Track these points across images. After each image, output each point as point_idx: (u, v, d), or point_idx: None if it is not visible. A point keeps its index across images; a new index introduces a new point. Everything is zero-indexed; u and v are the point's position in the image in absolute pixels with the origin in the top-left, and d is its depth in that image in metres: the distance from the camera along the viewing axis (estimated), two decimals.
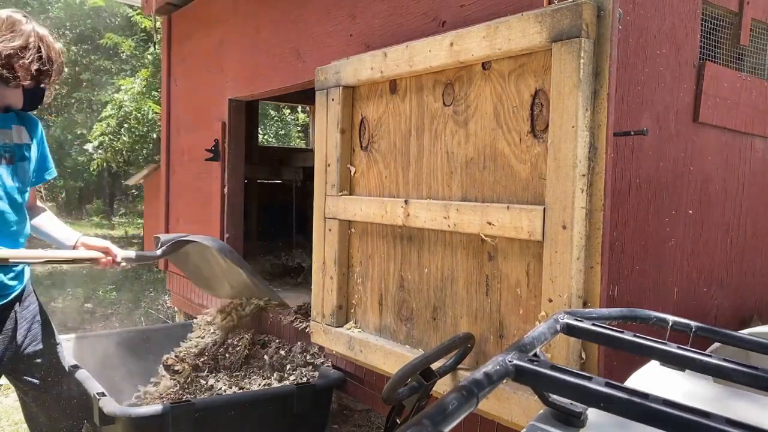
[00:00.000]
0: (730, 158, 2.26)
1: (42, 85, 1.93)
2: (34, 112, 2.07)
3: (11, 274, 1.99)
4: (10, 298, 2.00)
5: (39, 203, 2.19)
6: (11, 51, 1.82)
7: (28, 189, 2.02)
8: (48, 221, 2.13)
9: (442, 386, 1.70)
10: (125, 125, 6.92)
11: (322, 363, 2.62)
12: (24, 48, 1.84)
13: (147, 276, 7.58)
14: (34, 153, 2.02)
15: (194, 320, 3.16)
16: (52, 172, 2.15)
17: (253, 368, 2.73)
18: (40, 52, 1.87)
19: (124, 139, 6.95)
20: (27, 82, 1.88)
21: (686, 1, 2.00)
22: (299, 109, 11.34)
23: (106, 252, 2.05)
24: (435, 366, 1.58)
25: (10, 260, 1.88)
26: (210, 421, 2.19)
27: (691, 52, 2.05)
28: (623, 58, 1.77)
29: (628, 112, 1.82)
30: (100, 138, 6.95)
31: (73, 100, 9.40)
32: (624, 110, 1.80)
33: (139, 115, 6.90)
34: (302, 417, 2.37)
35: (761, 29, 2.38)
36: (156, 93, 7.18)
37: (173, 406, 2.11)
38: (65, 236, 2.09)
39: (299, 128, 11.97)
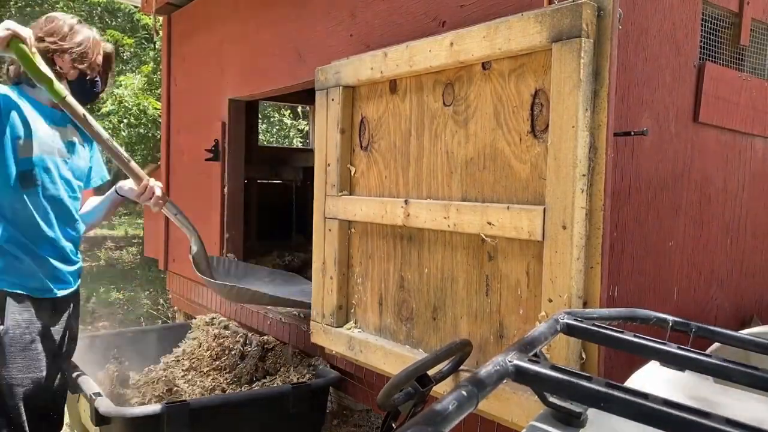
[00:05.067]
0: (730, 158, 2.26)
1: (88, 77, 2.04)
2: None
3: (73, 268, 2.07)
4: (70, 290, 2.06)
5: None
6: (49, 46, 1.95)
7: (82, 187, 2.12)
8: (97, 198, 2.25)
9: (442, 386, 1.70)
10: (124, 121, 6.89)
11: (319, 362, 2.62)
12: (61, 42, 1.97)
13: (147, 276, 7.58)
14: (86, 155, 2.14)
15: (193, 320, 3.16)
16: (106, 176, 2.27)
17: (250, 368, 2.72)
18: (76, 44, 2.00)
19: (123, 134, 6.92)
20: (70, 73, 2.01)
21: (686, 2, 2.00)
22: (299, 109, 11.32)
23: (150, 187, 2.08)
24: (431, 372, 1.58)
25: (80, 117, 1.91)
26: (205, 421, 2.19)
27: (691, 52, 2.05)
28: (623, 58, 1.76)
29: (628, 112, 1.82)
30: None
31: None
32: (624, 110, 1.80)
33: (138, 111, 6.87)
34: (298, 417, 2.37)
35: (761, 29, 2.38)
36: (157, 91, 7.18)
37: (168, 406, 2.11)
38: (109, 194, 2.19)
39: (299, 132, 11.95)
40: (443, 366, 1.63)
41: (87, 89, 2.06)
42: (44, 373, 1.93)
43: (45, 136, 1.96)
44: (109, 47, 2.14)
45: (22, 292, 1.91)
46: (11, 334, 1.88)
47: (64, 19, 2.03)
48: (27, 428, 1.91)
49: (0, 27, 1.77)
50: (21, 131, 1.89)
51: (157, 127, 7.19)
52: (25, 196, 1.91)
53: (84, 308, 6.06)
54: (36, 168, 1.93)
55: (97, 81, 2.09)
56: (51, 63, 1.94)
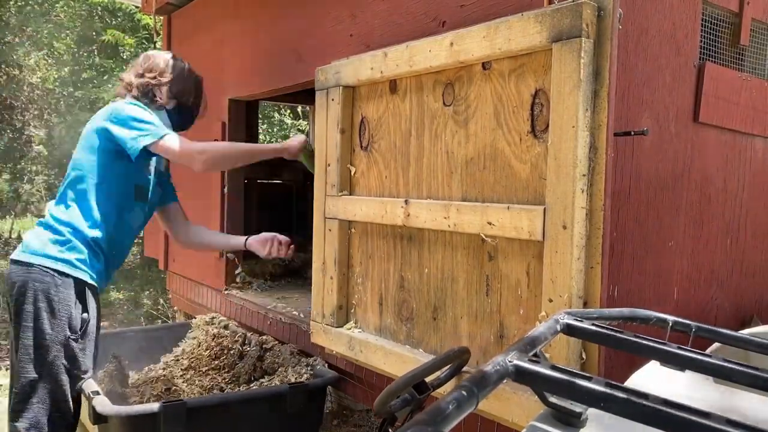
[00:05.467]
0: (730, 158, 2.26)
1: (184, 105, 2.34)
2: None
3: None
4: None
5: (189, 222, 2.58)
6: (150, 81, 2.26)
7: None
8: (214, 233, 2.69)
9: (439, 394, 1.70)
10: None
11: (317, 362, 2.62)
12: (159, 76, 2.27)
13: (147, 276, 7.58)
14: (163, 182, 2.44)
15: (193, 320, 3.16)
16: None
17: (248, 368, 2.72)
18: (172, 77, 2.28)
19: None
20: (169, 104, 2.31)
21: (686, 2, 2.00)
22: (299, 109, 11.31)
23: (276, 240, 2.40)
24: (428, 379, 1.58)
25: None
26: (202, 421, 2.19)
27: (691, 52, 2.05)
28: (623, 58, 1.76)
29: (628, 112, 1.82)
30: None
31: (72, 100, 9.40)
32: (624, 110, 1.80)
33: None
34: (296, 416, 2.37)
35: (761, 29, 2.38)
36: None
37: (165, 405, 2.11)
38: (236, 240, 2.50)
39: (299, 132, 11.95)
40: (441, 373, 1.63)
41: (185, 116, 2.38)
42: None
43: (155, 160, 2.29)
44: (199, 76, 2.43)
45: (95, 285, 2.13)
46: (91, 323, 2.11)
47: (160, 56, 2.33)
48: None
49: (298, 140, 2.40)
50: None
51: None
52: (134, 206, 2.22)
53: None
54: (147, 188, 2.26)
55: (191, 107, 2.38)
56: (152, 96, 2.27)
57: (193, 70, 2.39)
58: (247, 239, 2.42)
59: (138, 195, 2.23)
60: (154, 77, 2.26)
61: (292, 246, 2.39)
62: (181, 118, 2.38)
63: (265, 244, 2.36)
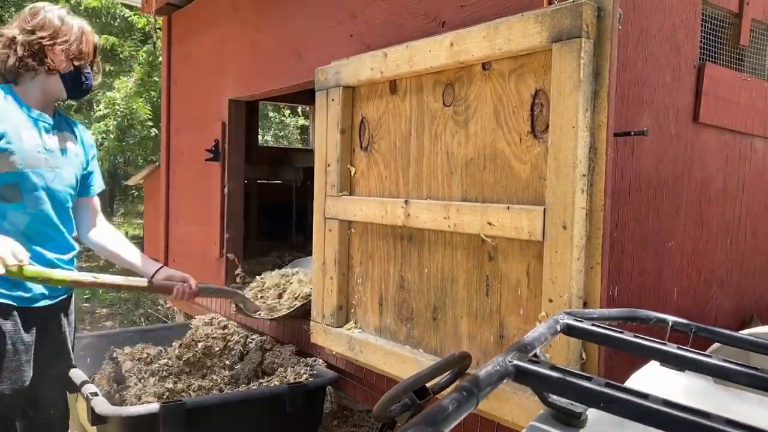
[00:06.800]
0: (730, 158, 2.26)
1: (83, 71, 2.00)
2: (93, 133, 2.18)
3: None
4: (60, 298, 2.01)
5: (103, 220, 2.22)
6: (41, 41, 1.91)
7: (74, 196, 2.05)
8: (126, 247, 2.19)
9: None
10: (115, 122, 6.96)
11: (316, 362, 2.62)
12: (53, 35, 1.92)
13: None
14: (79, 161, 2.07)
15: (193, 320, 3.16)
16: (102, 186, 2.21)
17: (248, 368, 2.72)
18: (70, 38, 1.95)
19: (112, 136, 6.96)
20: (62, 67, 1.95)
21: (686, 2, 2.00)
22: (299, 109, 11.32)
23: (184, 281, 2.12)
24: (429, 384, 1.58)
25: (71, 283, 1.92)
26: (201, 421, 2.19)
27: (691, 52, 2.05)
28: (623, 59, 1.77)
29: (628, 112, 1.82)
30: (96, 136, 6.97)
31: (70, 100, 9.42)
32: (624, 110, 1.80)
33: (128, 114, 6.94)
34: (294, 416, 2.37)
35: (761, 29, 2.38)
36: (152, 93, 7.22)
37: (164, 405, 2.11)
38: (147, 266, 2.15)
39: (298, 130, 11.95)
40: (442, 378, 1.63)
41: (80, 82, 2.01)
42: (27, 385, 1.89)
43: (30, 148, 1.87)
44: (96, 37, 2.07)
45: (10, 303, 1.86)
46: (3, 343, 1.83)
47: (53, 12, 1.95)
48: None
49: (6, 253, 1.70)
50: (3, 144, 1.80)
51: (144, 128, 7.26)
52: (8, 211, 1.85)
53: (84, 308, 6.05)
54: (20, 183, 1.84)
55: (89, 73, 2.04)
56: (42, 56, 1.91)
57: (89, 31, 2.05)
58: (156, 271, 2.13)
59: (7, 198, 1.85)
60: (45, 36, 1.91)
61: (197, 289, 2.15)
62: (76, 85, 2.01)
63: (171, 288, 2.09)
